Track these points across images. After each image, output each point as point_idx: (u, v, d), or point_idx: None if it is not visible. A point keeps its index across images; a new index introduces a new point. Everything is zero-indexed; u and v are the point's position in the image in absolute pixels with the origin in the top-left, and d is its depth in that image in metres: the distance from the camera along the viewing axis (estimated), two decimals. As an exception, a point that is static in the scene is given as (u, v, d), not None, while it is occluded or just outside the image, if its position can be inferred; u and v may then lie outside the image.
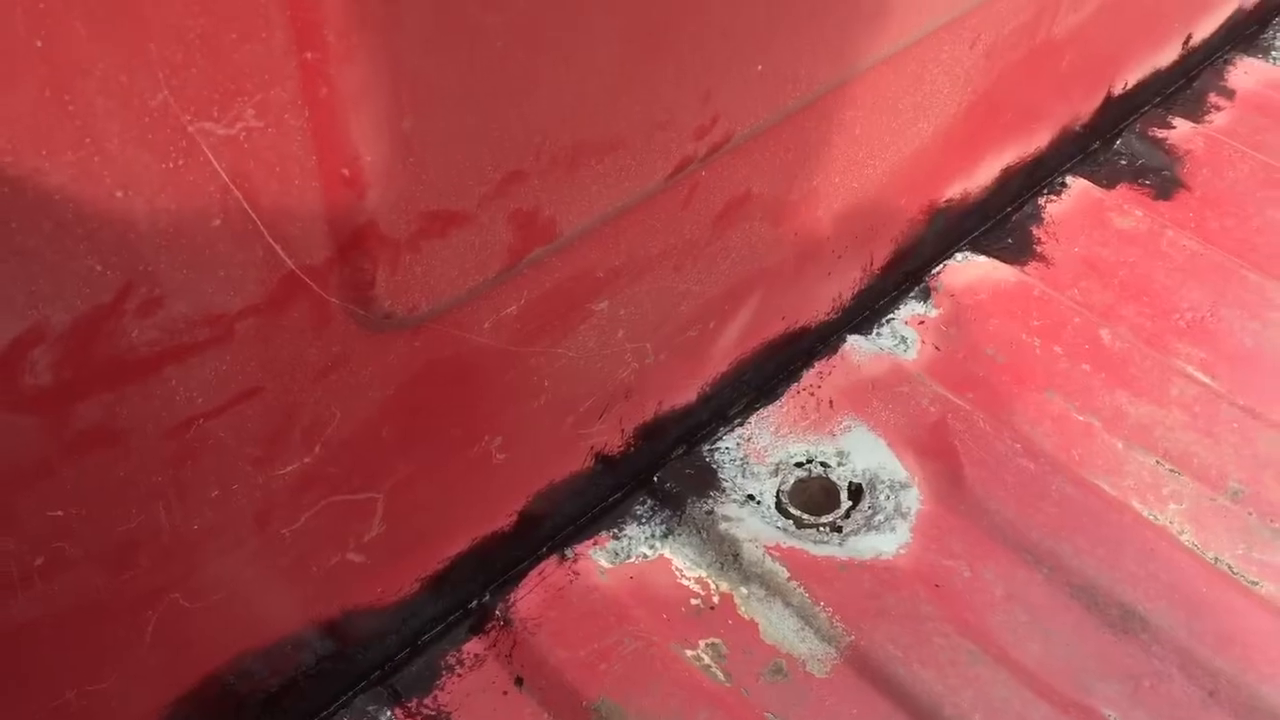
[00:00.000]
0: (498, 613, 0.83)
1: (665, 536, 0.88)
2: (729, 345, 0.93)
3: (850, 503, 0.92)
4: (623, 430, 0.88)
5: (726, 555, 0.87)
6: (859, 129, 0.90)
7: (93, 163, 0.46)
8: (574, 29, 0.61)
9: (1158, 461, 0.95)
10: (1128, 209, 1.16)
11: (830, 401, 0.98)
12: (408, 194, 0.58)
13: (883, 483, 0.93)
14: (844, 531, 0.90)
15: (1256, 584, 0.87)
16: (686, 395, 0.92)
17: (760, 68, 0.75)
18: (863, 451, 0.95)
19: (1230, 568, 0.88)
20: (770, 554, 0.86)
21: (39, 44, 0.41)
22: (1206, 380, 1.02)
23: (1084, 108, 1.19)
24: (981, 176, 1.11)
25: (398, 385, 0.66)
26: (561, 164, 0.65)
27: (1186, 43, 1.30)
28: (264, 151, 0.51)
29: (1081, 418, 0.98)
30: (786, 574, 0.85)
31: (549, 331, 0.74)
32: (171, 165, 0.48)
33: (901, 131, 0.95)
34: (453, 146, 0.59)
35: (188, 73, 0.46)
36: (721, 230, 0.83)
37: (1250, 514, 0.91)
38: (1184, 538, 0.90)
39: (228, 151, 0.50)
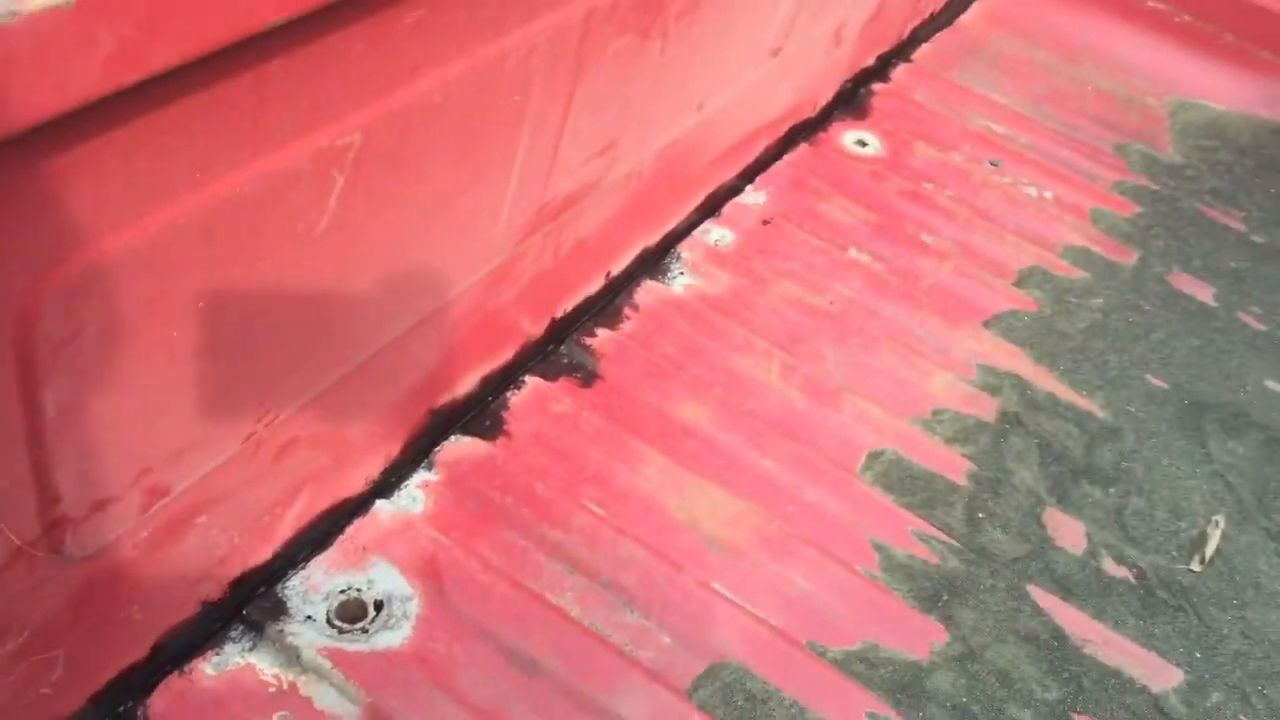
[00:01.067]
0: (139, 713, 1.31)
1: (251, 649, 1.40)
2: (292, 520, 1.47)
3: (375, 613, 1.47)
4: (221, 585, 1.38)
5: (292, 657, 1.40)
6: (374, 387, 1.47)
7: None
8: (181, 391, 1.13)
9: (563, 565, 1.59)
10: (562, 397, 1.82)
11: (364, 547, 1.54)
12: (84, 498, 1.07)
13: (396, 598, 1.50)
14: (369, 632, 1.45)
15: (609, 635, 1.52)
16: (265, 555, 1.44)
17: (298, 371, 1.30)
18: (384, 578, 1.51)
19: (599, 629, 1.53)
20: (319, 653, 1.40)
21: None
22: (600, 512, 1.68)
23: (536, 330, 1.84)
24: (467, 386, 1.72)
25: (78, 587, 1.14)
26: (174, 457, 1.17)
27: (608, 275, 1.99)
28: (11, 506, 0.99)
29: (522, 542, 1.61)
30: (330, 665, 1.40)
31: (168, 544, 1.24)
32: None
33: (399, 381, 1.54)
34: (109, 470, 1.09)
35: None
36: (280, 460, 1.37)
37: (618, 598, 1.57)
38: (573, 612, 1.54)
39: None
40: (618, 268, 2.01)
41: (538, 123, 1.46)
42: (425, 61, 1.19)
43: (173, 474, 1.18)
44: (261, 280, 1.14)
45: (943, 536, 1.75)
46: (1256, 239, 2.45)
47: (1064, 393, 2.03)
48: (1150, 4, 2.83)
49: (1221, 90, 2.79)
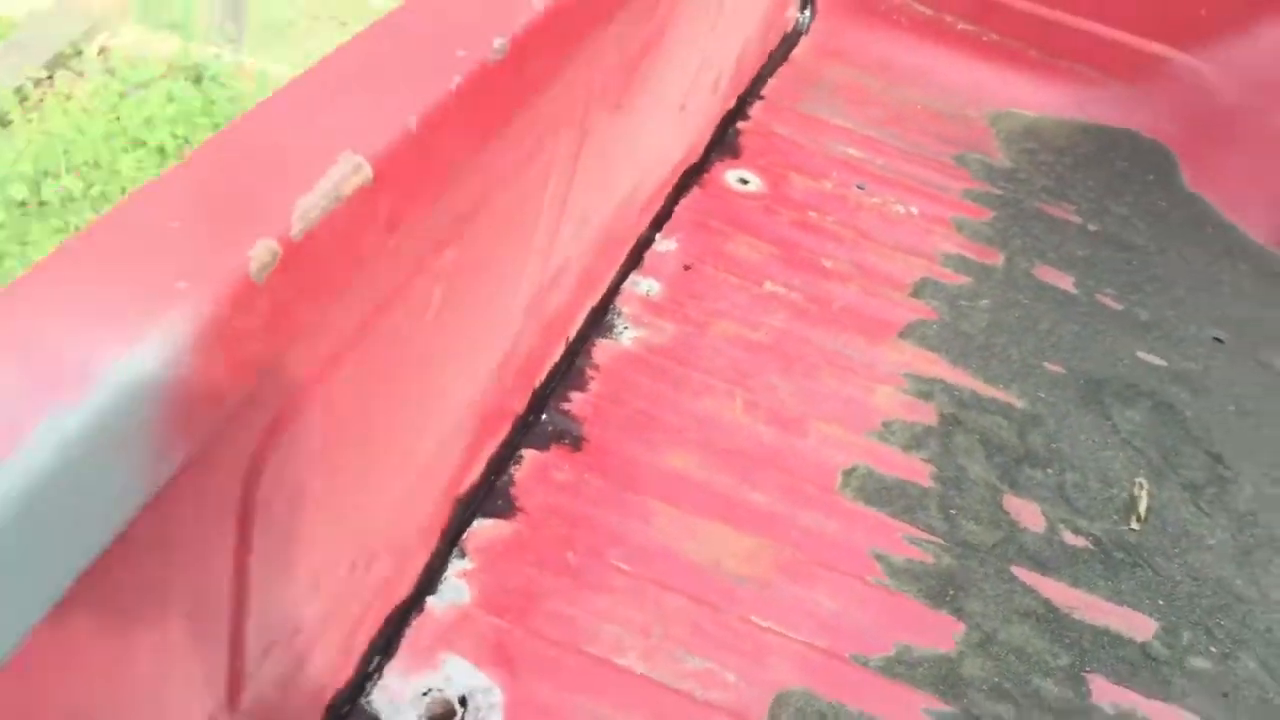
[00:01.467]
0: None
1: (360, 770, 1.39)
2: (365, 632, 1.45)
3: (462, 709, 1.48)
4: (318, 711, 1.36)
5: (401, 769, 1.40)
6: (425, 488, 1.48)
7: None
8: (330, 523, 1.13)
9: (616, 627, 1.65)
10: (561, 464, 1.86)
11: (430, 646, 1.54)
12: (258, 648, 1.05)
13: (478, 690, 1.51)
14: (463, 730, 1.46)
15: (678, 684, 1.60)
16: (349, 673, 1.43)
17: (388, 487, 1.31)
18: (460, 673, 1.52)
19: (667, 681, 1.60)
20: (427, 759, 1.41)
21: None
22: (630, 569, 1.74)
23: (521, 404, 1.88)
24: (478, 470, 1.74)
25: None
26: (314, 588, 1.16)
27: (567, 340, 2.04)
28: (210, 673, 0.97)
29: (570, 611, 1.65)
30: (440, 768, 1.40)
31: (295, 679, 1.22)
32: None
33: (439, 477, 1.55)
34: (279, 615, 1.07)
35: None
36: (366, 576, 1.36)
37: (676, 648, 1.64)
38: (640, 670, 1.60)
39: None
40: (574, 331, 2.07)
41: (550, 207, 1.52)
42: (492, 163, 1.23)
43: (309, 606, 1.17)
44: (386, 401, 1.16)
45: (929, 537, 1.92)
46: (1091, 227, 2.79)
47: (983, 389, 2.25)
48: (961, 26, 3.15)
49: (1031, 98, 3.14)
